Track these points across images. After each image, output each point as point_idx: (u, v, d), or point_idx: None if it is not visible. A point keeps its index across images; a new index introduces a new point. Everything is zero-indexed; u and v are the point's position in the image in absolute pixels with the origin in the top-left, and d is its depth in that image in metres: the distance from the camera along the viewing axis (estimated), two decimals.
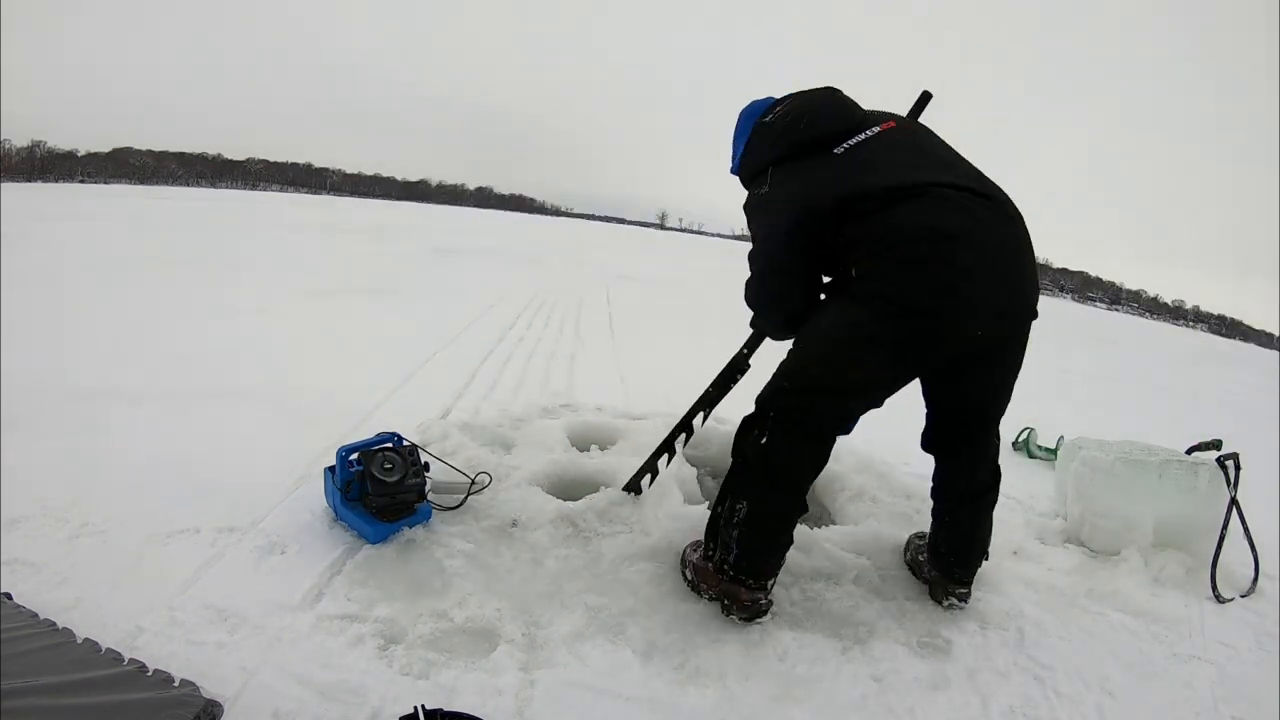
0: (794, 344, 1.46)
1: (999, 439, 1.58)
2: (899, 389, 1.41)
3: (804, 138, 1.42)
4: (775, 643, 1.41)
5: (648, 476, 1.81)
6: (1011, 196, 1.42)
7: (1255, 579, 1.96)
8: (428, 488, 1.68)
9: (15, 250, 6.01)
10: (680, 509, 1.72)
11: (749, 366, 1.78)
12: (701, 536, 1.54)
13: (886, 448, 2.35)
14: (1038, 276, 1.42)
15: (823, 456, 1.42)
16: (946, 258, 1.27)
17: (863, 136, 1.41)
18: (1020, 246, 1.36)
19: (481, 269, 9.10)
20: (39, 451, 1.93)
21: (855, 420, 1.42)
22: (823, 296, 1.50)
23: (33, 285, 4.52)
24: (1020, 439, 3.12)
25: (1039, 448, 3.09)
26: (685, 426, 1.84)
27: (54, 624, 1.21)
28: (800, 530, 1.58)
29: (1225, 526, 1.96)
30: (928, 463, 1.62)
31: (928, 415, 1.58)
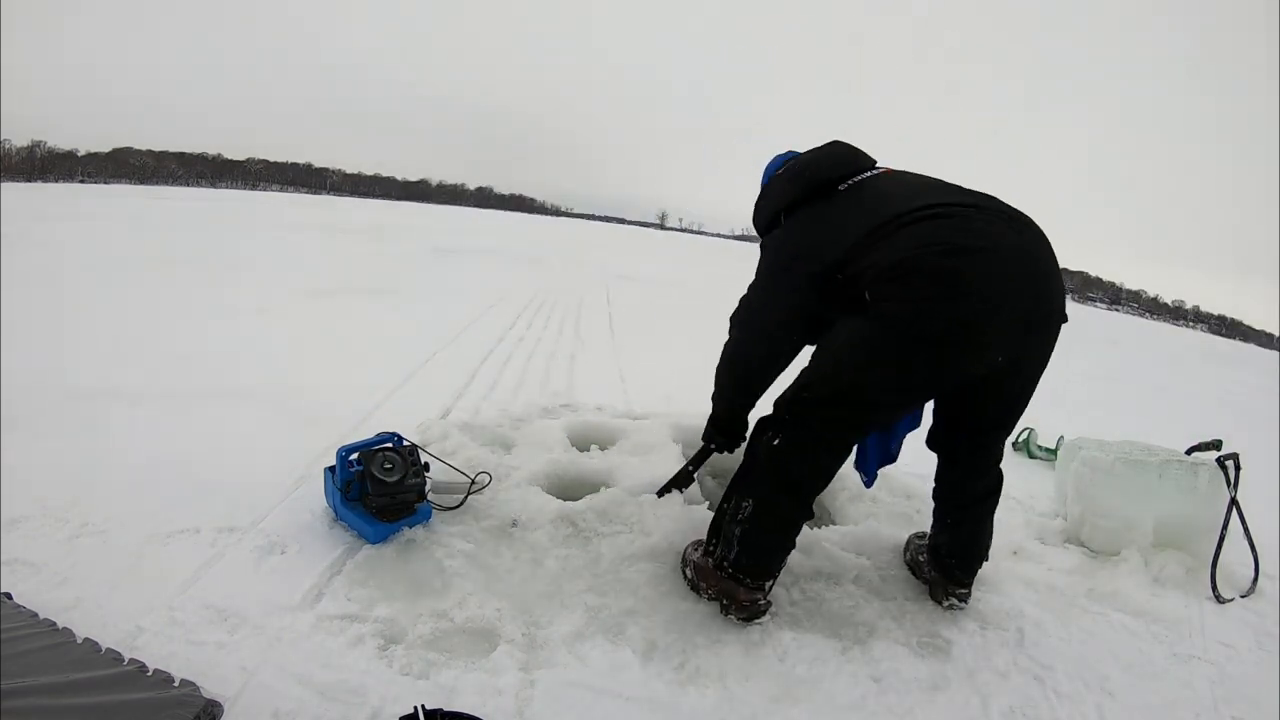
0: (814, 354, 1.45)
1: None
2: (920, 406, 1.44)
3: (810, 181, 1.50)
4: (775, 643, 1.41)
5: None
6: (1012, 203, 1.41)
7: (1255, 579, 1.96)
8: (428, 488, 1.68)
9: (15, 250, 6.01)
10: (680, 509, 1.72)
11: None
12: (702, 537, 1.55)
13: None
14: (1062, 279, 1.40)
15: (835, 465, 1.42)
16: (965, 278, 1.24)
17: (866, 175, 1.49)
18: (1039, 249, 1.35)
19: (481, 269, 9.10)
20: (39, 451, 1.93)
21: (869, 433, 1.45)
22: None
23: (33, 285, 4.52)
24: (1020, 439, 3.12)
25: (1039, 448, 3.09)
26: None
27: (54, 624, 1.21)
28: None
29: (1225, 526, 1.96)
30: (928, 463, 1.62)
31: (935, 416, 1.57)
